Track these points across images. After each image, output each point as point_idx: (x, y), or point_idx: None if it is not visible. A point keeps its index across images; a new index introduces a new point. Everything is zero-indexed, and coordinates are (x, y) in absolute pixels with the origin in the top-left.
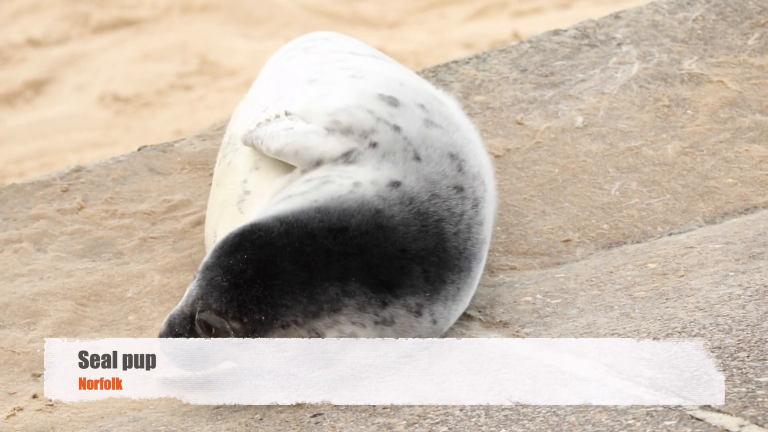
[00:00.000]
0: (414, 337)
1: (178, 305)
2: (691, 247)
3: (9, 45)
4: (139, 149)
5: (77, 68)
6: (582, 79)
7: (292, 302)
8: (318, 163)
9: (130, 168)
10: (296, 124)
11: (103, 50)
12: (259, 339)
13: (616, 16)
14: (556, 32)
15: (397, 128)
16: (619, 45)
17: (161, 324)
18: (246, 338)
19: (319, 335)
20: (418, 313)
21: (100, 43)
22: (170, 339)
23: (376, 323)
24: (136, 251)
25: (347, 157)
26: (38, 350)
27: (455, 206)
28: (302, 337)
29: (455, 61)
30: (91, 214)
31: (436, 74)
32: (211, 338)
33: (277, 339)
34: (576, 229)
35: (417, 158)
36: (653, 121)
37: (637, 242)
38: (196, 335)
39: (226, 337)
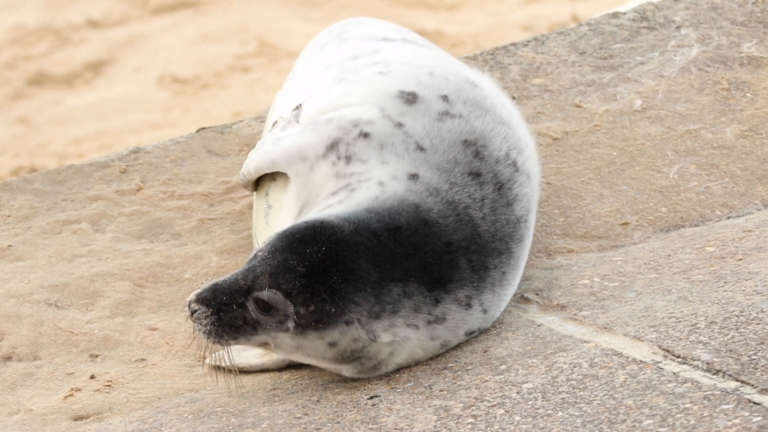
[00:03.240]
0: (466, 330)
1: (228, 276)
2: (750, 230)
3: (69, 26)
4: (198, 131)
5: (136, 49)
6: (641, 62)
7: (363, 300)
8: (305, 160)
9: (188, 149)
10: (271, 136)
11: (162, 31)
12: (314, 330)
13: None
14: (615, 15)
15: (399, 125)
16: (678, 28)
17: (197, 290)
18: (304, 326)
19: (375, 337)
20: (468, 306)
21: (159, 24)
22: (211, 301)
23: (429, 323)
24: (193, 232)
25: (337, 151)
26: (96, 331)
27: (474, 192)
28: (359, 336)
29: (514, 44)
30: (150, 196)
31: (495, 57)
32: (262, 317)
33: (335, 333)
34: (634, 212)
35: (420, 148)
36: (712, 104)
37: (696, 226)
38: (242, 309)
39: (280, 320)
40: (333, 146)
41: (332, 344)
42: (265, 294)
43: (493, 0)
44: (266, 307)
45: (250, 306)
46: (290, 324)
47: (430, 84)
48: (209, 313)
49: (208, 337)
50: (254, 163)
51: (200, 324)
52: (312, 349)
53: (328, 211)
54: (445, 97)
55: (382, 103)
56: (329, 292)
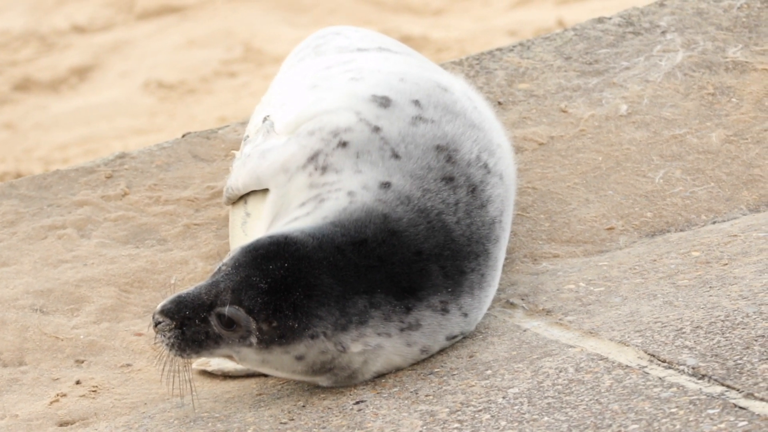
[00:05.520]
0: (446, 334)
1: (191, 289)
2: (735, 235)
3: (54, 31)
4: (183, 136)
5: (122, 55)
6: (626, 67)
7: (326, 314)
8: (286, 172)
9: (174, 154)
10: (253, 148)
11: (147, 37)
12: (279, 345)
13: (661, 4)
14: (600, 20)
15: (377, 129)
16: (663, 33)
17: (162, 302)
18: (268, 342)
19: (344, 348)
20: (445, 311)
21: (145, 29)
22: (175, 314)
23: (402, 330)
24: (179, 238)
25: (316, 162)
26: (81, 336)
27: (448, 197)
28: (327, 349)
29: (499, 49)
30: (135, 201)
31: (480, 62)
32: (224, 333)
33: (301, 347)
34: (619, 217)
35: (396, 156)
36: (697, 109)
37: (681, 230)
38: (205, 324)
39: (243, 336)
40: (313, 157)
41: (299, 357)
42: (227, 310)
43: (478, 5)
44: (229, 323)
45: (213, 321)
46: (253, 339)
47: (401, 89)
48: (173, 326)
49: (170, 350)
50: (242, 180)
51: (163, 336)
52: (279, 363)
53: (295, 224)
54: (416, 102)
55: (357, 106)
56: (291, 308)
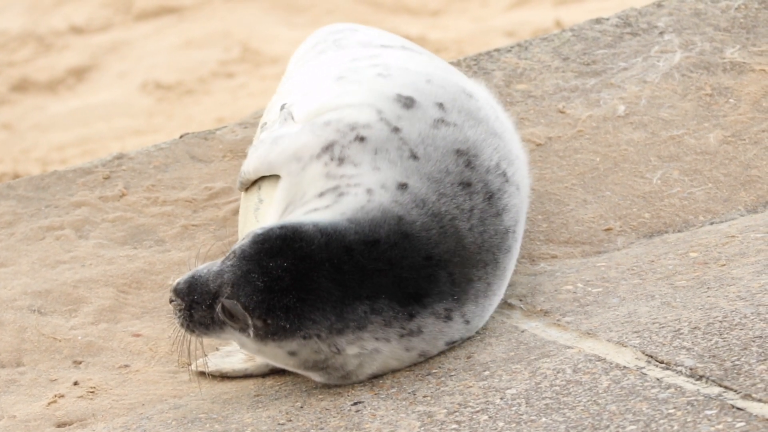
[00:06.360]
0: (446, 341)
1: (204, 269)
2: (733, 236)
3: (52, 32)
4: (181, 137)
5: (120, 55)
6: (624, 68)
7: (321, 318)
8: (299, 160)
9: (171, 155)
10: (268, 134)
11: (145, 38)
12: (272, 341)
13: (659, 5)
14: (598, 21)
15: (396, 129)
16: (661, 34)
17: (180, 278)
18: (262, 336)
19: (339, 350)
20: (448, 318)
21: (143, 30)
22: (185, 296)
23: (402, 336)
24: (177, 239)
25: (331, 152)
26: (79, 337)
27: (463, 203)
28: (320, 349)
29: (497, 50)
30: (133, 202)
31: (478, 62)
32: (227, 320)
33: (293, 345)
34: (617, 218)
35: (414, 157)
36: (695, 109)
37: (679, 231)
38: (211, 310)
39: (242, 327)
40: (328, 147)
41: (292, 353)
42: (226, 303)
43: (476, 6)
44: (230, 315)
45: (217, 308)
46: (250, 332)
47: (427, 91)
48: (182, 306)
49: (181, 326)
50: (253, 165)
51: (176, 313)
52: (272, 356)
53: (312, 216)
54: (440, 105)
55: (380, 104)
56: (284, 309)
